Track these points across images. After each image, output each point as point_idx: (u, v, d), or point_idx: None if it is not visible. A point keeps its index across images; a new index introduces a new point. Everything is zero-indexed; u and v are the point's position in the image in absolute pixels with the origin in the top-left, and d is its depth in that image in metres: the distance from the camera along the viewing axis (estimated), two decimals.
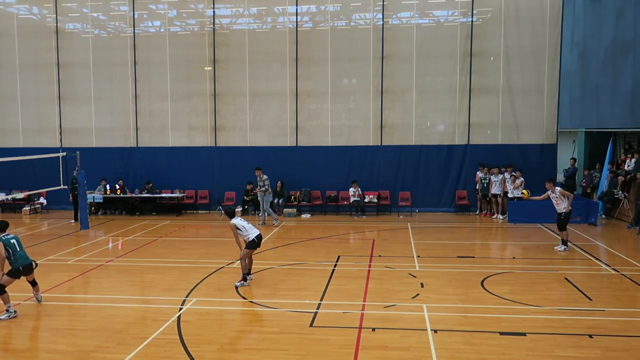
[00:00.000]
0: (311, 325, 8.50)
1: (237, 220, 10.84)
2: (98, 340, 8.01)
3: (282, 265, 12.44)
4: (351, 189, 19.66)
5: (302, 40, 20.44)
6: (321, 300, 9.74)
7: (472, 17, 19.87)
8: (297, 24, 20.53)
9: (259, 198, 18.03)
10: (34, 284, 9.58)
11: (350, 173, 20.12)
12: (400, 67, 20.21)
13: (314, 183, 20.32)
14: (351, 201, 19.69)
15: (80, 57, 21.44)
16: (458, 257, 13.06)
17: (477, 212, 19.89)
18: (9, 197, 20.04)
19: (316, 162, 20.27)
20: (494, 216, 19.05)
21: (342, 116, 20.80)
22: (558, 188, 13.78)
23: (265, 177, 17.78)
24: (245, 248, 10.80)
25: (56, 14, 21.47)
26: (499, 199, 18.90)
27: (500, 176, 18.83)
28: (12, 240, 9.26)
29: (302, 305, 9.42)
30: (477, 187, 19.63)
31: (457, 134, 20.26)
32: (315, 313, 9.04)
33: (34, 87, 21.81)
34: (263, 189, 17.76)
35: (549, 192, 13.78)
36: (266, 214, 18.02)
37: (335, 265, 12.29)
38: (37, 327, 8.74)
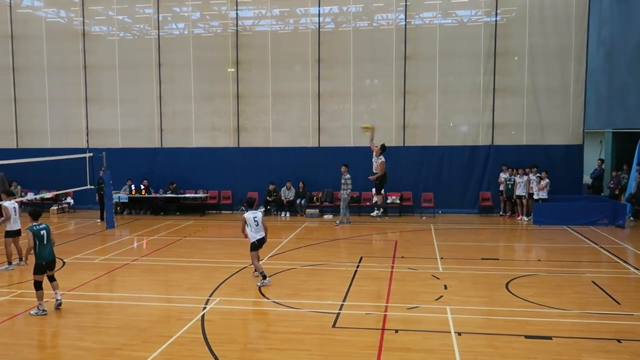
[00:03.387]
0: (334, 326, 8.50)
1: (250, 215, 11.01)
2: (123, 338, 8.12)
3: (305, 265, 12.46)
4: (374, 190, 19.58)
5: (324, 41, 20.46)
6: (344, 301, 9.73)
7: (496, 17, 19.66)
8: (319, 25, 20.56)
9: (342, 196, 18.19)
10: (52, 279, 9.56)
11: (373, 174, 19.97)
12: (423, 67, 20.09)
13: (336, 184, 20.25)
14: (373, 202, 19.62)
15: (106, 59, 21.81)
16: (482, 259, 12.92)
17: (501, 214, 19.65)
18: (38, 196, 20.46)
19: (338, 162, 20.17)
20: (519, 218, 18.80)
21: (365, 117, 20.73)
22: None
23: (348, 175, 17.87)
24: (250, 250, 11.00)
25: (83, 17, 21.87)
26: (524, 201, 18.65)
27: (525, 177, 18.58)
28: (42, 232, 9.34)
29: (324, 306, 9.42)
30: (501, 189, 19.39)
31: (481, 134, 20.05)
32: (338, 314, 9.03)
33: (61, 89, 22.24)
34: (345, 186, 17.92)
35: None
36: (344, 213, 18.22)
37: (357, 266, 12.27)
38: (64, 325, 8.89)
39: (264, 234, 11.06)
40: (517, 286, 10.49)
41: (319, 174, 20.44)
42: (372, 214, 16.85)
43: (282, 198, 20.19)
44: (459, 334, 8.02)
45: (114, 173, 18.32)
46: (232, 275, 11.60)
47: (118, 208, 20.47)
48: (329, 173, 20.27)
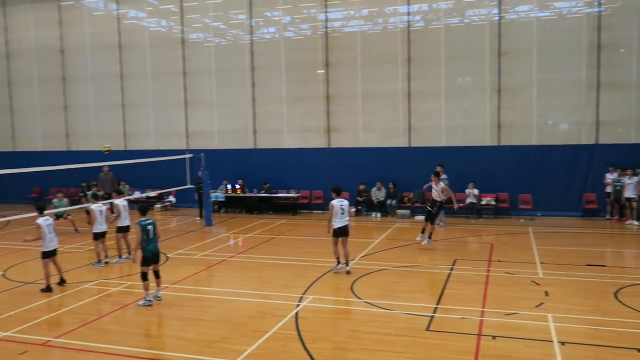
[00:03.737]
0: (427, 329, 8.36)
1: (337, 202, 11.57)
2: (222, 331, 8.48)
3: (397, 267, 12.35)
4: (467, 191, 19.05)
5: (415, 40, 20.17)
6: (437, 304, 9.54)
7: (599, 7, 18.40)
8: (409, 24, 20.30)
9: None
10: (157, 275, 10.13)
11: (466, 174, 19.41)
12: (519, 63, 19.21)
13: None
14: (467, 203, 19.08)
15: (203, 65, 22.89)
16: (587, 265, 12.13)
17: (608, 217, 18.35)
18: (144, 195, 21.87)
19: (430, 163, 19.71)
20: (628, 222, 17.46)
21: (457, 116, 20.22)
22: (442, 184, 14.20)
23: (444, 176, 17.15)
24: (332, 235, 11.66)
25: (182, 26, 23.10)
26: (634, 204, 17.29)
27: (635, 179, 17.22)
28: (149, 227, 9.92)
29: (417, 309, 9.29)
30: (609, 190, 18.10)
31: (584, 133, 18.85)
32: (432, 317, 8.87)
33: (163, 94, 23.64)
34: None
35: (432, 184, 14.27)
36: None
37: (451, 269, 11.97)
38: (168, 316, 9.44)
39: (347, 223, 11.59)
40: (628, 296, 9.76)
41: (409, 175, 20.14)
42: (417, 238, 14.47)
43: (373, 198, 20.15)
44: (563, 343, 7.60)
45: (212, 173, 19.17)
46: (324, 275, 11.74)
47: (215, 207, 21.38)
48: (420, 174, 19.85)
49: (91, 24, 24.60)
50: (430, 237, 14.17)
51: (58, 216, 16.89)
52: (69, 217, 17.69)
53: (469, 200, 19.07)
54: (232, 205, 21.92)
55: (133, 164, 18.25)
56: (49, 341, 8.20)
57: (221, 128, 22.87)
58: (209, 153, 20.17)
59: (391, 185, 20.15)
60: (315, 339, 8.07)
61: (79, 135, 25.14)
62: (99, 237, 12.98)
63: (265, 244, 15.38)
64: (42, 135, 25.82)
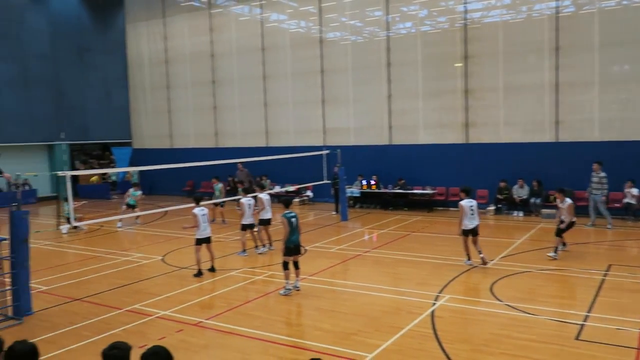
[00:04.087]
0: (577, 338, 7.75)
1: (466, 203, 11.75)
2: (357, 324, 8.60)
3: (541, 269, 11.58)
4: (625, 190, 17.26)
5: (563, 27, 18.67)
6: (588, 312, 8.79)
7: None
8: (557, 10, 18.85)
9: (596, 198, 16.15)
10: (297, 266, 10.52)
11: (623, 172, 17.55)
12: None
13: (576, 182, 18.33)
14: (623, 203, 17.30)
15: (339, 62, 23.33)
16: None
17: None
18: (283, 189, 22.92)
19: (579, 159, 18.23)
20: None
21: (613, 107, 18.37)
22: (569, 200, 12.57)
23: (603, 174, 16.15)
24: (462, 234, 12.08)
25: (320, 25, 23.75)
26: None
27: None
28: (292, 219, 10.37)
29: (565, 315, 8.65)
30: None
31: None
32: (582, 325, 8.20)
33: (301, 93, 24.51)
34: (600, 186, 16.19)
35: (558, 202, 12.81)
36: (597, 215, 16.54)
37: (605, 275, 10.95)
38: (306, 305, 9.80)
39: (477, 223, 11.84)
40: None
41: (556, 172, 18.75)
42: (548, 254, 12.53)
43: (514, 196, 19.08)
44: None
45: (347, 169, 19.50)
46: (462, 274, 11.40)
47: (350, 202, 21.73)
48: (569, 170, 18.45)
49: (237, 28, 26.29)
50: (564, 244, 12.94)
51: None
52: (221, 208, 19.03)
53: (625, 200, 17.28)
54: (367, 200, 22.11)
55: (273, 159, 19.30)
56: (200, 322, 8.94)
57: (356, 124, 23.15)
58: (344, 149, 20.52)
59: (534, 183, 18.92)
60: (452, 339, 7.87)
61: (226, 133, 27.02)
62: (246, 228, 13.85)
63: (400, 240, 15.31)
64: (194, 134, 28.18)
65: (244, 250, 13.86)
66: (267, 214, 14.06)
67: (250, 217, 13.81)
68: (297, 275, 10.56)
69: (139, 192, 20.28)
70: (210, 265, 12.18)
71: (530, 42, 19.39)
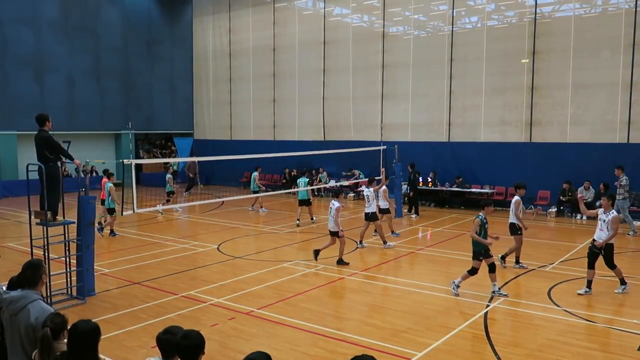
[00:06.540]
0: (639, 349, 7.36)
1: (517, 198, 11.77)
2: (408, 322, 8.51)
3: (603, 276, 11.01)
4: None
5: None
6: None
7: None
8: (636, 4, 17.81)
9: (619, 203, 15.30)
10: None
11: None
12: None
13: None
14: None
15: (401, 57, 23.03)
16: None
17: None
18: (337, 184, 22.91)
19: None
20: None
21: None
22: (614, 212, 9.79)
23: (625, 178, 15.65)
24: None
25: (383, 20, 23.52)
26: None
27: None
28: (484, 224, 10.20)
29: (627, 324, 8.23)
30: None
31: None
32: None
33: (361, 87, 24.40)
34: (621, 190, 15.62)
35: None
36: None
37: None
38: (356, 301, 9.80)
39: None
40: None
41: (628, 174, 17.76)
42: (579, 291, 9.94)
43: (579, 197, 18.22)
44: None
45: (403, 165, 19.25)
46: (518, 276, 11.07)
47: (406, 198, 21.47)
48: None
49: (300, 22, 26.47)
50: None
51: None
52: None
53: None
54: (423, 197, 21.74)
55: (331, 153, 19.35)
56: (252, 311, 9.11)
57: (414, 120, 22.80)
58: (402, 145, 20.29)
59: (601, 186, 17.98)
60: (505, 342, 7.66)
61: (284, 126, 27.31)
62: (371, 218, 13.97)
63: (455, 239, 14.99)
64: (253, 126, 28.67)
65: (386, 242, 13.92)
66: (372, 208, 13.90)
67: (374, 206, 13.90)
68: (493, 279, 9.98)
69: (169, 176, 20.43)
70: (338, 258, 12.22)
71: (604, 38, 18.47)
